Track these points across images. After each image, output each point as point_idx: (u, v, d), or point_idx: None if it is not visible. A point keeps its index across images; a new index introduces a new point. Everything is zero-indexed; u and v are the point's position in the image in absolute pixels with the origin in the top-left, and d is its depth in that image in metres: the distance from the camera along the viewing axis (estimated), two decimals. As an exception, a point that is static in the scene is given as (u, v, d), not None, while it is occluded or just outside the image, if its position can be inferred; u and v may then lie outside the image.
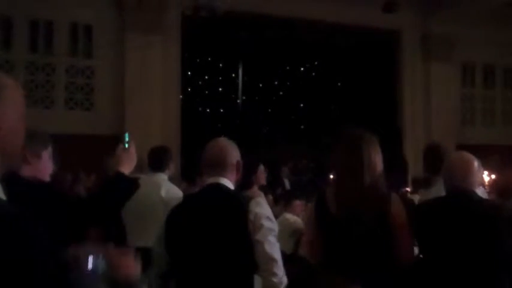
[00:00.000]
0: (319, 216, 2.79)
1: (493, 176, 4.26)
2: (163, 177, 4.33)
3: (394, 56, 12.69)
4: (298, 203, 6.14)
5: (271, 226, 2.43)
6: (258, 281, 2.42)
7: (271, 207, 2.65)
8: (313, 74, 14.16)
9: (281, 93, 14.27)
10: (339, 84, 13.89)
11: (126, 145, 2.56)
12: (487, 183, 5.02)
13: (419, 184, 5.66)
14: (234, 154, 2.56)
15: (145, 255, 1.88)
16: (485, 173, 4.92)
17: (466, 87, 13.19)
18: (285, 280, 2.39)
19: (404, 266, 2.65)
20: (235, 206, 2.45)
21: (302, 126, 14.23)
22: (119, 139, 2.61)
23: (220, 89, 13.93)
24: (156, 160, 4.36)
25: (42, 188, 2.40)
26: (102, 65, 10.24)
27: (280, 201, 6.52)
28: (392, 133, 11.76)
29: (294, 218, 5.88)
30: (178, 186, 4.92)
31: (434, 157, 3.70)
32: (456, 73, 12.80)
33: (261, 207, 2.45)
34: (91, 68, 10.31)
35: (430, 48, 12.20)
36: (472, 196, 2.73)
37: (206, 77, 13.74)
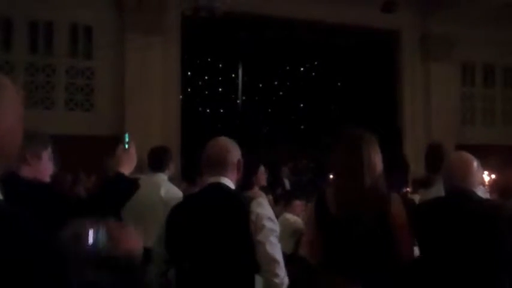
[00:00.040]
0: (319, 216, 2.79)
1: (493, 176, 4.26)
2: (163, 178, 4.33)
3: (393, 56, 12.67)
4: (298, 203, 6.15)
5: (273, 227, 2.43)
6: (259, 281, 2.42)
7: (271, 208, 2.65)
8: (313, 74, 14.16)
9: (281, 93, 14.27)
10: (339, 84, 13.89)
11: (126, 146, 2.56)
12: (487, 183, 5.02)
13: (419, 184, 5.65)
14: (234, 153, 2.55)
15: (145, 255, 1.88)
16: (485, 173, 4.92)
17: (465, 87, 13.15)
18: (286, 281, 2.39)
19: (404, 266, 2.65)
20: (236, 206, 2.45)
21: (302, 126, 14.23)
22: (119, 140, 2.61)
23: (220, 89, 13.93)
24: (156, 160, 4.36)
25: (42, 188, 2.40)
26: (102, 65, 10.23)
27: (280, 202, 6.53)
28: (393, 133, 11.74)
29: (294, 218, 5.89)
30: (178, 186, 4.93)
31: (434, 157, 3.71)
32: (456, 73, 12.77)
33: (263, 207, 2.44)
34: (91, 69, 10.30)
35: (430, 48, 12.17)
36: (471, 196, 2.73)
37: (206, 77, 13.75)
